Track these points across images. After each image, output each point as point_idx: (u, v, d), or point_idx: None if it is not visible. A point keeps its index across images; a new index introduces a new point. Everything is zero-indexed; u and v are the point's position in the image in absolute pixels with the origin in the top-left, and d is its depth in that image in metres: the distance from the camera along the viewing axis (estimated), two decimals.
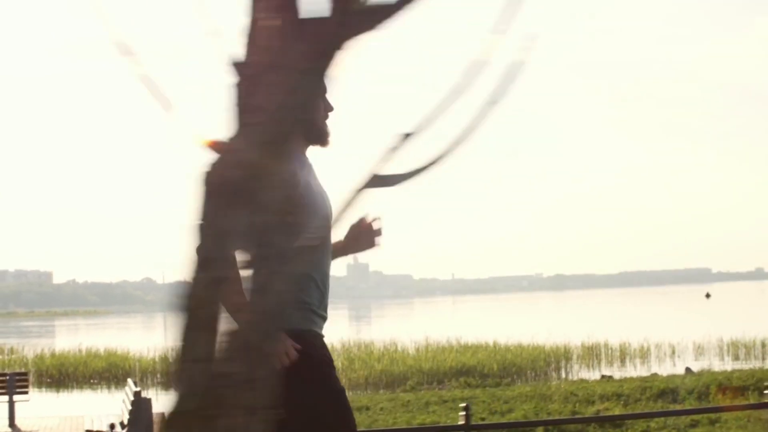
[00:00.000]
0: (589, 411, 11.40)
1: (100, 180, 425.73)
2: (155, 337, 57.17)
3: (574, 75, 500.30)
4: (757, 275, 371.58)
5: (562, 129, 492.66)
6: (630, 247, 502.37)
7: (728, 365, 23.86)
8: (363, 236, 3.97)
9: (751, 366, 21.42)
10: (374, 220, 3.92)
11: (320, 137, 3.77)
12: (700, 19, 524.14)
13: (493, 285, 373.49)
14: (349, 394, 3.60)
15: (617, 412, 10.93)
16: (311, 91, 3.68)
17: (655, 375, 17.40)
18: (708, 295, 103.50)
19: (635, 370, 24.30)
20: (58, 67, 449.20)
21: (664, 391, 12.61)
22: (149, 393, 27.09)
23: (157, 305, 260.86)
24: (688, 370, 19.75)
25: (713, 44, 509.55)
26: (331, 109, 3.79)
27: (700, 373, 15.85)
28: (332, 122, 3.77)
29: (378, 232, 3.94)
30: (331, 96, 3.79)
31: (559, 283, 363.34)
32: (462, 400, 13.11)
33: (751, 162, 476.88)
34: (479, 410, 12.35)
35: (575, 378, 22.26)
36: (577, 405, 11.94)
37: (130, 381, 11.50)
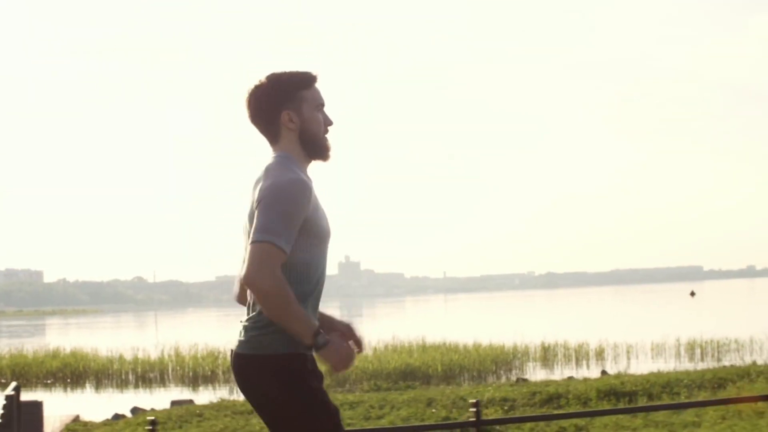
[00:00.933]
0: (463, 417, 11.11)
1: (91, 178, 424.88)
2: (134, 336, 56.96)
3: (574, 74, 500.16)
4: (749, 273, 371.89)
5: (558, 127, 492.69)
6: (622, 245, 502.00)
7: (683, 366, 23.65)
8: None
9: (700, 367, 21.20)
10: (359, 345, 3.87)
11: (322, 152, 3.82)
12: (700, 19, 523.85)
13: (485, 283, 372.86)
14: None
15: (491, 418, 10.64)
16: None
17: (570, 379, 17.08)
18: (693, 294, 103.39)
19: (587, 371, 24.06)
20: (53, 66, 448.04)
21: (553, 396, 12.29)
22: (107, 393, 27.01)
23: (147, 304, 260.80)
24: (603, 372, 19.53)
25: (712, 44, 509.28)
26: (330, 122, 3.85)
27: (606, 378, 15.53)
28: (332, 136, 3.84)
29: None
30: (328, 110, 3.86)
31: (551, 281, 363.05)
32: (351, 404, 12.85)
33: (748, 161, 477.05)
34: (354, 415, 12.07)
35: (507, 380, 21.99)
36: (455, 411, 11.62)
37: (13, 384, 11.21)
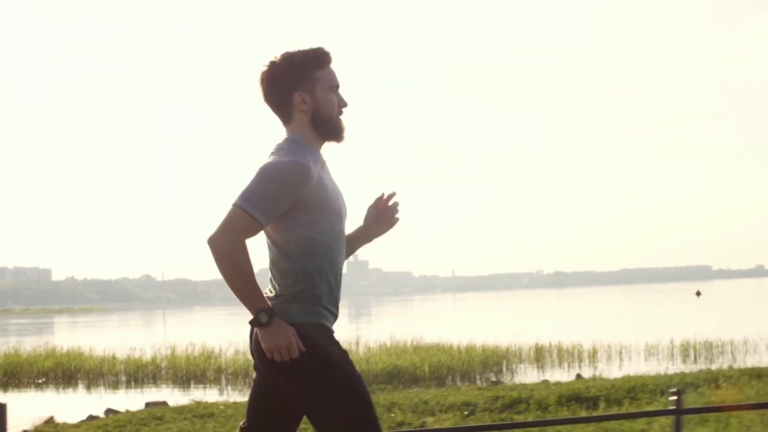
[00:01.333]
0: (417, 423, 10.92)
1: (97, 178, 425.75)
2: (137, 335, 56.85)
3: (574, 74, 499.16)
4: (758, 272, 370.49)
5: (562, 127, 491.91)
6: (631, 244, 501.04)
7: (676, 368, 23.43)
8: (381, 216, 4.05)
9: (691, 369, 20.98)
10: (389, 196, 4.03)
11: (335, 133, 3.79)
12: (700, 19, 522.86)
13: (494, 282, 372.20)
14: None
15: (446, 425, 10.46)
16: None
17: (545, 382, 16.84)
18: (698, 293, 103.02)
19: (572, 373, 23.85)
20: (53, 66, 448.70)
21: (515, 401, 12.09)
22: (97, 393, 26.84)
23: (155, 302, 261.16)
24: (578, 376, 19.33)
25: (712, 44, 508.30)
26: (344, 104, 3.82)
27: (572, 382, 15.27)
28: (346, 118, 3.82)
29: (394, 209, 4.04)
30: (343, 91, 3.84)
31: (559, 280, 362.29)
32: None
33: (751, 161, 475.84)
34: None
35: (496, 381, 21.79)
36: (412, 416, 11.45)
37: None
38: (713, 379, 13.56)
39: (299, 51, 3.75)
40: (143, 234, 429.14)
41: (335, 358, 3.63)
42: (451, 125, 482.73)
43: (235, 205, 3.53)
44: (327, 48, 3.79)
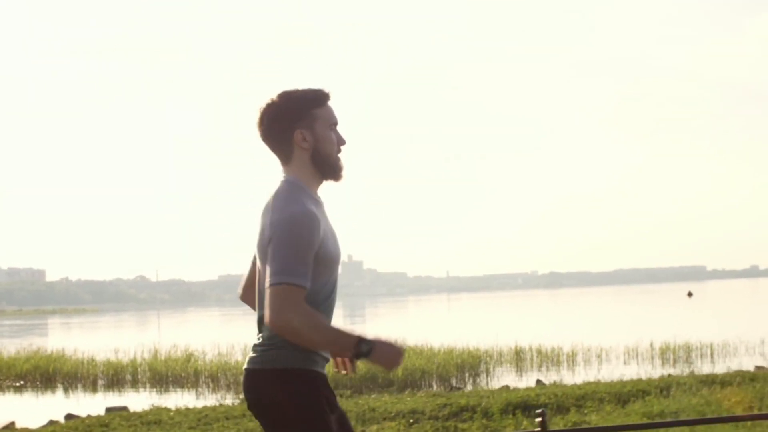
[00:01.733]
0: (358, 430, 10.82)
1: (93, 178, 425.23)
2: (127, 336, 56.70)
3: (573, 74, 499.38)
4: (752, 273, 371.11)
5: (559, 129, 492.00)
6: (626, 245, 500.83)
7: (655, 372, 23.35)
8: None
9: (656, 374, 20.90)
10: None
11: (334, 172, 3.75)
12: (700, 19, 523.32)
13: (488, 283, 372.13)
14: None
15: None
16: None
17: (504, 388, 16.67)
18: (690, 294, 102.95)
19: (544, 377, 23.75)
20: (53, 66, 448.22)
21: (464, 408, 11.92)
22: (74, 396, 26.70)
23: (150, 303, 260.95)
24: (539, 382, 19.22)
25: (712, 44, 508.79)
26: (343, 142, 3.79)
27: (524, 389, 15.11)
28: (345, 156, 3.80)
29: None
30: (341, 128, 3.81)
31: (554, 280, 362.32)
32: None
33: (750, 161, 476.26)
34: (254, 427, 11.78)
35: (471, 386, 21.67)
36: (353, 424, 11.31)
37: None
38: (665, 386, 13.38)
39: (298, 90, 3.73)
40: (138, 234, 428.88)
41: (322, 408, 3.58)
42: (447, 127, 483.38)
43: (276, 285, 3.46)
44: (326, 89, 3.76)
